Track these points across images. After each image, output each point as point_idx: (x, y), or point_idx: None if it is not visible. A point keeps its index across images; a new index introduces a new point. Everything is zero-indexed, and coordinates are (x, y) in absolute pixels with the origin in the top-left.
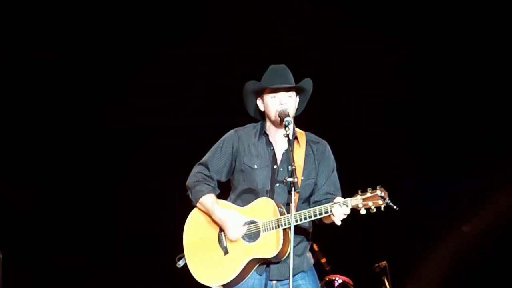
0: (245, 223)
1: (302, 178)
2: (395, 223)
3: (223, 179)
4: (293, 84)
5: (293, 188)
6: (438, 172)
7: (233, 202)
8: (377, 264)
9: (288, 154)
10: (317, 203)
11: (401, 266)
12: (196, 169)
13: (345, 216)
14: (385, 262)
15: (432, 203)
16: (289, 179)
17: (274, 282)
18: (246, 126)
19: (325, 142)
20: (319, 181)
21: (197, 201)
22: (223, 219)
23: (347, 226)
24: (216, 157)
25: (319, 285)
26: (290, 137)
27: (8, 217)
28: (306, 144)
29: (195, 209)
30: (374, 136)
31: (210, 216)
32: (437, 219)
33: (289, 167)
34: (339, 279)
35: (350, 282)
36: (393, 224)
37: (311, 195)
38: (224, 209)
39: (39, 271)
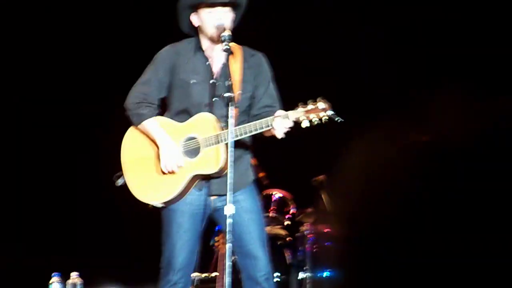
0: (185, 139)
1: (240, 92)
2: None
3: (163, 95)
4: (231, 0)
5: (230, 103)
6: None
7: (172, 119)
8: (315, 178)
9: (226, 69)
10: (257, 116)
11: (338, 180)
12: (136, 88)
13: (287, 130)
14: (323, 176)
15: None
16: (227, 94)
17: (213, 198)
18: (181, 41)
19: (261, 53)
20: (257, 94)
21: (140, 124)
22: (162, 148)
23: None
24: (155, 74)
25: (258, 200)
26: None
27: None
28: (243, 58)
29: (132, 127)
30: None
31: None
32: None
33: (226, 82)
34: (277, 193)
35: (288, 196)
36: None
37: (250, 108)
38: (166, 137)
39: None
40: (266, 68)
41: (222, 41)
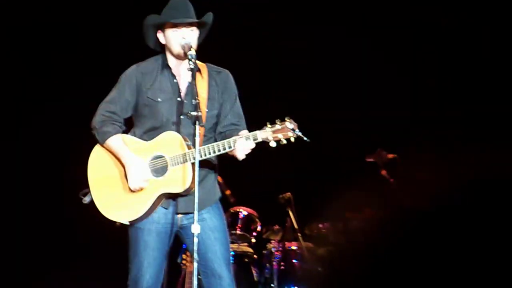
0: (152, 158)
1: (206, 110)
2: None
3: (129, 115)
4: (195, 19)
5: (197, 122)
6: None
7: (139, 138)
8: (281, 195)
9: (192, 87)
10: (222, 134)
11: (305, 198)
12: (101, 107)
13: (249, 151)
14: (289, 193)
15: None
16: (193, 113)
17: (179, 216)
18: (147, 60)
19: (227, 71)
20: (223, 111)
21: (104, 142)
22: (128, 166)
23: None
24: (120, 94)
25: (224, 218)
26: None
27: None
28: (208, 75)
29: (98, 144)
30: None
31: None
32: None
33: (193, 100)
34: (243, 211)
35: (255, 213)
36: (297, 156)
37: (216, 126)
38: (131, 155)
39: None
40: (232, 86)
41: (188, 60)
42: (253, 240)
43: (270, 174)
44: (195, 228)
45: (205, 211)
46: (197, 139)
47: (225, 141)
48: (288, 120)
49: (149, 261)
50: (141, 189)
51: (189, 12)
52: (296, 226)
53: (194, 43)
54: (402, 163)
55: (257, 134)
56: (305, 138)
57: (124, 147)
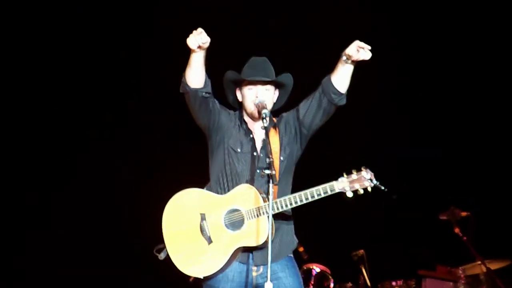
0: (228, 212)
1: (281, 158)
2: (371, 212)
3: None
4: (270, 78)
5: (271, 181)
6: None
7: (212, 190)
8: (354, 253)
9: (266, 145)
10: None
11: (378, 255)
12: None
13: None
14: (362, 250)
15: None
16: (267, 172)
17: (254, 275)
18: (230, 111)
19: (281, 114)
20: (303, 127)
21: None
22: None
23: (324, 214)
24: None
25: (300, 275)
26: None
27: None
28: (278, 127)
29: (173, 199)
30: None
31: (189, 208)
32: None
33: (267, 159)
34: (316, 268)
35: (328, 271)
36: (370, 213)
37: (293, 163)
38: None
39: None
40: (290, 115)
41: (262, 118)
42: None
43: (343, 231)
44: (268, 286)
45: (280, 268)
46: (271, 197)
47: (301, 193)
48: (364, 169)
49: None
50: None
51: (266, 71)
52: (369, 283)
53: (268, 103)
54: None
55: (334, 185)
56: (382, 188)
57: None
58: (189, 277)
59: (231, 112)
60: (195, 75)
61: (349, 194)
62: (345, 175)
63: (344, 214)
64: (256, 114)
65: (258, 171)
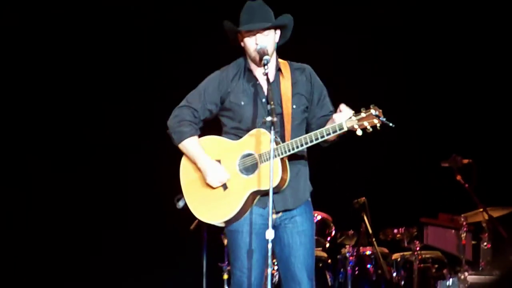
0: (241, 156)
1: (294, 106)
2: (373, 160)
3: (208, 116)
4: (268, 24)
5: (272, 127)
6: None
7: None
8: (356, 200)
9: (273, 88)
10: (312, 127)
11: (380, 203)
12: (181, 108)
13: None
14: (364, 198)
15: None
16: (268, 119)
17: (274, 216)
18: (230, 64)
19: (309, 66)
20: (312, 105)
21: (180, 142)
22: (205, 171)
23: (326, 162)
24: (202, 95)
25: (314, 222)
26: (273, 69)
27: None
28: (291, 73)
29: None
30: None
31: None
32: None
33: (268, 106)
34: (318, 215)
35: (329, 218)
36: (371, 160)
37: (306, 120)
38: (207, 160)
39: None
40: (318, 81)
41: (263, 65)
42: (327, 244)
43: (345, 179)
44: (269, 234)
45: (298, 212)
46: (272, 145)
47: (311, 133)
48: (372, 107)
49: (251, 263)
50: (223, 184)
51: (263, 15)
52: (370, 231)
53: (269, 47)
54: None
55: (343, 124)
56: (390, 124)
57: (200, 151)
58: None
59: (224, 69)
60: None
61: (359, 132)
62: (353, 114)
63: (346, 162)
64: (258, 61)
65: (268, 117)
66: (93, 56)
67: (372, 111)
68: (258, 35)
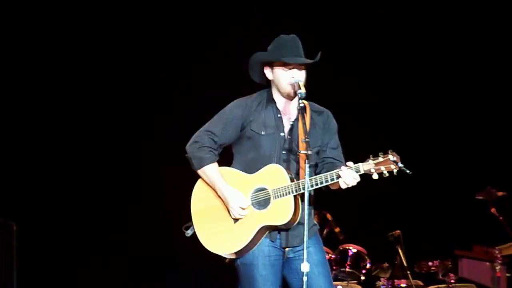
0: (254, 190)
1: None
2: (408, 192)
3: (226, 143)
4: (305, 58)
5: (306, 161)
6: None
7: (240, 170)
8: (391, 233)
9: (296, 124)
10: (321, 167)
11: (415, 235)
12: (201, 133)
13: (354, 183)
14: (399, 231)
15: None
16: (303, 152)
17: (286, 249)
18: (254, 94)
19: (328, 111)
20: (326, 149)
21: (200, 168)
22: (227, 198)
23: (360, 195)
24: (223, 121)
25: (324, 251)
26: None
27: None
28: (311, 114)
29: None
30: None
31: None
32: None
33: (303, 139)
34: (353, 249)
35: (364, 251)
36: (407, 193)
37: (316, 163)
38: (228, 187)
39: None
40: (333, 125)
41: (299, 98)
42: (363, 277)
43: (379, 212)
44: (304, 267)
45: (310, 243)
46: (307, 178)
47: (327, 173)
48: (391, 152)
49: None
50: (242, 217)
51: (299, 51)
52: (405, 263)
53: (303, 82)
54: None
55: (360, 166)
56: (407, 171)
57: (220, 178)
58: (225, 258)
59: (248, 97)
60: None
61: (375, 177)
62: (371, 157)
63: (381, 195)
64: (292, 94)
65: (284, 152)
66: (93, 56)
67: (390, 157)
68: (294, 69)
